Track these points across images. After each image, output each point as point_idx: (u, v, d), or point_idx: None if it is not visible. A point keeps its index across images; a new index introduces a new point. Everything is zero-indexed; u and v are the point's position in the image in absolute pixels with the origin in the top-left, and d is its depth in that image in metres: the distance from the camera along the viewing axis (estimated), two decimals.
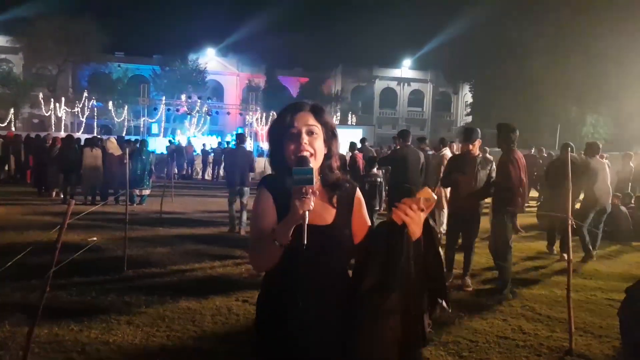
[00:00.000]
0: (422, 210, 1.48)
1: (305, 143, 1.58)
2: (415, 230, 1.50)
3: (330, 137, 1.67)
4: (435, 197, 1.49)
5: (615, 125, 31.39)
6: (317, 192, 1.45)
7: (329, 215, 1.63)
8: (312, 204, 1.41)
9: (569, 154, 4.51)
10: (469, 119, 43.97)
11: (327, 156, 1.66)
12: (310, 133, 1.60)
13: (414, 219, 1.48)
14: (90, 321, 4.09)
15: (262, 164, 23.39)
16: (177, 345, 3.71)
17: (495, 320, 4.49)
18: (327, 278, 1.59)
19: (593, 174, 7.04)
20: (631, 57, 27.62)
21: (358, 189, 1.76)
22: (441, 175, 8.32)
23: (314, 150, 1.59)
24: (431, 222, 1.55)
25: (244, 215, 8.24)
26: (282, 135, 1.62)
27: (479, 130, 5.69)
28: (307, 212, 1.40)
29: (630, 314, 2.51)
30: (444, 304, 1.61)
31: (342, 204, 1.67)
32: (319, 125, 1.63)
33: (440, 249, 1.63)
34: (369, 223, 1.74)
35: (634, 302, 2.51)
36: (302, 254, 1.42)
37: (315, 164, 1.58)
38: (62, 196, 11.71)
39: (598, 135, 31.53)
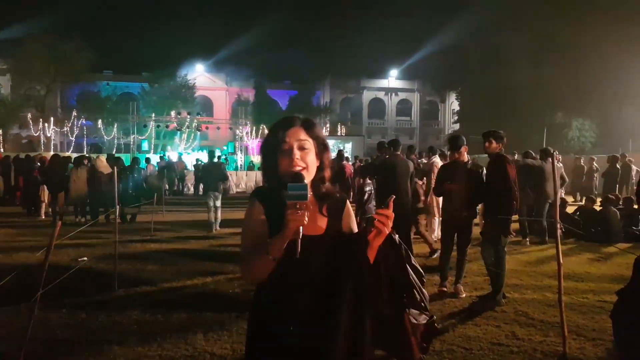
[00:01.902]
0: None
1: (298, 158, 1.61)
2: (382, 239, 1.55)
3: (322, 150, 1.71)
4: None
5: (601, 128, 31.80)
6: (311, 207, 1.48)
7: (321, 224, 1.66)
8: (306, 218, 1.44)
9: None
10: (457, 126, 44.35)
11: (319, 168, 1.69)
12: (302, 148, 1.63)
13: (389, 229, 1.53)
14: (80, 343, 4.03)
15: (253, 177, 23.51)
16: None
17: (488, 326, 4.50)
18: (320, 287, 1.60)
19: (546, 175, 8.58)
20: (614, 62, 28.10)
21: (347, 200, 1.80)
22: (432, 183, 8.41)
23: (306, 164, 1.62)
24: (395, 236, 1.59)
25: (219, 213, 10.05)
26: (275, 150, 1.65)
27: (464, 138, 5.76)
28: (300, 228, 1.43)
29: (623, 316, 2.53)
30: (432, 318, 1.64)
31: (332, 214, 1.70)
32: (311, 140, 1.67)
33: (412, 261, 1.66)
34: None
35: (625, 304, 2.53)
36: (295, 265, 1.45)
37: (308, 177, 1.61)
38: (51, 214, 11.62)
39: (584, 138, 31.95)
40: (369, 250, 1.55)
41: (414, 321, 1.68)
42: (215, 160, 11.21)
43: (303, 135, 1.66)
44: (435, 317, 1.71)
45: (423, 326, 1.69)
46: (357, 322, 1.58)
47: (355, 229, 1.76)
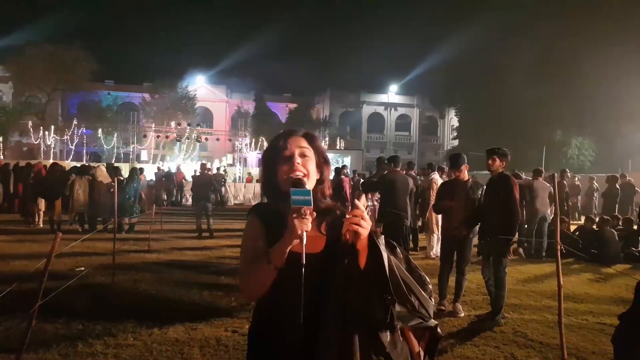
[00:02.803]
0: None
1: (298, 163, 1.58)
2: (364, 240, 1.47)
3: (322, 162, 1.68)
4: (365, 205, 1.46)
5: (600, 147, 31.97)
6: (315, 214, 1.44)
7: (319, 243, 1.60)
8: (310, 225, 1.41)
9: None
10: (456, 142, 44.53)
11: (319, 181, 1.66)
12: (303, 155, 1.61)
13: (366, 228, 1.44)
14: (76, 355, 3.99)
15: (251, 189, 23.49)
16: None
17: (487, 347, 4.46)
18: (318, 306, 1.53)
19: (535, 192, 9.27)
20: (612, 80, 28.35)
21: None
22: (431, 199, 8.41)
23: (307, 171, 1.59)
24: (378, 238, 1.50)
25: (210, 221, 10.97)
26: (275, 160, 1.62)
27: (465, 156, 5.76)
28: (304, 233, 1.39)
29: (624, 341, 2.51)
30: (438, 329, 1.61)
31: (332, 231, 1.63)
32: (312, 149, 1.65)
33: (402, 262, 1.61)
34: None
35: (627, 329, 2.51)
36: (300, 275, 1.40)
37: (308, 185, 1.57)
38: (48, 222, 11.60)
39: (583, 157, 32.09)
40: (359, 257, 1.49)
41: (415, 342, 1.63)
42: (205, 172, 12.43)
43: (304, 143, 1.64)
44: (440, 331, 1.67)
45: (427, 334, 1.65)
46: (351, 332, 1.51)
47: None
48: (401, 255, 1.60)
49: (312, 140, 1.67)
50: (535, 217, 9.26)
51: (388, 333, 1.57)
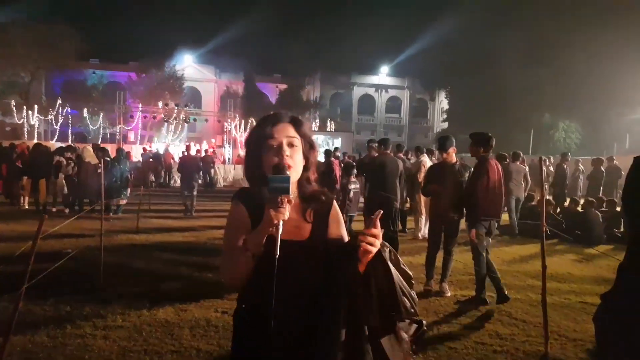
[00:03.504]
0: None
1: (287, 155, 1.56)
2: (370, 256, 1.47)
3: (309, 149, 1.66)
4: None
5: (587, 131, 32.26)
6: (292, 201, 1.43)
7: (305, 230, 1.60)
8: (287, 214, 1.39)
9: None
10: (445, 125, 44.62)
11: (305, 168, 1.64)
12: (290, 145, 1.59)
13: (377, 247, 1.45)
14: (64, 337, 4.00)
15: (240, 171, 23.38)
16: None
17: (472, 325, 4.56)
18: (302, 295, 1.54)
19: (509, 174, 9.62)
20: (600, 65, 28.49)
21: (335, 203, 1.73)
22: (420, 182, 8.47)
23: (294, 163, 1.57)
24: (385, 252, 1.52)
25: (194, 200, 11.59)
26: (261, 146, 1.60)
27: (453, 138, 5.78)
28: (280, 222, 1.39)
29: (605, 320, 2.56)
30: (421, 324, 1.63)
31: (317, 219, 1.64)
32: (299, 137, 1.62)
33: (403, 267, 1.63)
34: (346, 238, 1.70)
35: (609, 309, 2.56)
36: (274, 266, 1.38)
37: (294, 175, 1.57)
38: (33, 203, 11.49)
39: (570, 140, 32.38)
40: (359, 264, 1.48)
41: (404, 336, 1.64)
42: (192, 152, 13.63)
43: (292, 131, 1.61)
44: (425, 324, 1.70)
45: (414, 335, 1.68)
46: (352, 336, 1.53)
47: (344, 235, 1.69)
48: (392, 255, 1.59)
49: (298, 126, 1.65)
50: (510, 198, 9.70)
51: (389, 339, 1.59)
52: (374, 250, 1.44)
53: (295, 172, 1.58)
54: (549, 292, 5.10)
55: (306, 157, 1.65)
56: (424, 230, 8.77)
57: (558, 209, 11.08)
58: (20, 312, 3.14)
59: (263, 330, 1.49)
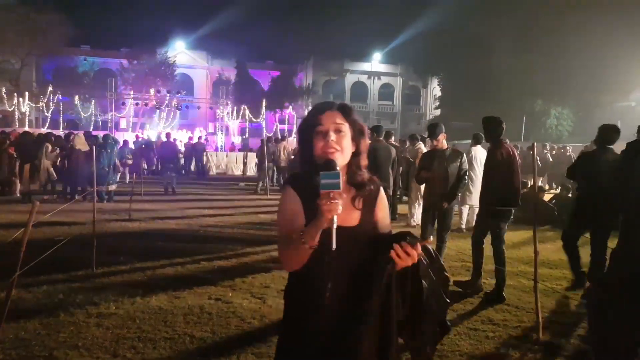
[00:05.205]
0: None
1: (333, 140, 1.60)
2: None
3: (358, 135, 1.70)
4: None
5: (578, 117, 32.41)
6: (345, 195, 1.50)
7: (355, 216, 1.66)
8: (340, 207, 1.44)
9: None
10: (438, 112, 44.62)
11: (355, 154, 1.69)
12: (337, 131, 1.63)
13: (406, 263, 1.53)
14: (57, 324, 3.98)
15: (234, 158, 23.31)
16: (148, 347, 3.65)
17: (465, 311, 4.60)
18: (353, 280, 1.63)
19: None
20: (592, 52, 28.52)
21: (382, 190, 1.79)
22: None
23: (341, 148, 1.62)
24: (424, 261, 1.60)
25: (174, 181, 13.27)
26: (310, 134, 1.65)
27: (442, 125, 5.78)
28: (335, 217, 1.43)
29: (600, 306, 2.59)
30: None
31: (366, 205, 1.70)
32: (347, 124, 1.66)
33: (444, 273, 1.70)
34: (389, 227, 1.77)
35: (602, 294, 2.59)
36: (330, 256, 1.49)
37: (342, 160, 1.62)
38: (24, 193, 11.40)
39: (561, 127, 32.54)
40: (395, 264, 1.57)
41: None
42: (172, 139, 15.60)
43: (339, 118, 1.65)
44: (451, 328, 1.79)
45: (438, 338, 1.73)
46: (386, 327, 1.60)
47: (388, 223, 1.76)
48: (434, 260, 1.67)
49: (347, 114, 1.69)
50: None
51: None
52: (403, 264, 1.52)
53: (342, 157, 1.62)
54: (541, 279, 5.15)
55: (356, 143, 1.69)
56: (417, 216, 8.80)
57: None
58: (13, 299, 3.12)
59: (313, 311, 1.62)
